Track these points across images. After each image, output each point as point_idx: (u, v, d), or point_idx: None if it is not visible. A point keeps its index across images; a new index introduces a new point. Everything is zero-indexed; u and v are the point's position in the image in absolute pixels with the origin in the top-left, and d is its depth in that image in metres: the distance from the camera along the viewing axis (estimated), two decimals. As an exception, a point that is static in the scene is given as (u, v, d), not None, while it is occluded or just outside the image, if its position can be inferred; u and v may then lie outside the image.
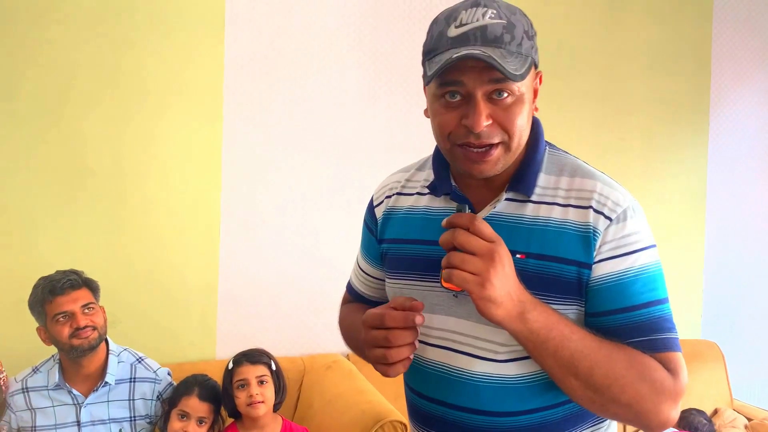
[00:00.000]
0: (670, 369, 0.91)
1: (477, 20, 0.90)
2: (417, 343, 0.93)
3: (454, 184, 1.04)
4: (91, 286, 1.90)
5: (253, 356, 1.96)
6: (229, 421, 1.99)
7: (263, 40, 2.49)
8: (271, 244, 2.54)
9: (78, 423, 1.89)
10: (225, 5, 2.42)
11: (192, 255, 2.44)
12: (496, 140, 0.92)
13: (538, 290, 0.92)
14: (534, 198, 0.98)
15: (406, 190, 1.13)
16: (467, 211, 0.89)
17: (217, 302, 2.48)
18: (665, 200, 3.11)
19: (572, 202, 0.96)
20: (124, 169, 2.35)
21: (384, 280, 1.15)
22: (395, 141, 2.66)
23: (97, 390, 1.90)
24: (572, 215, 0.95)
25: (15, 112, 2.23)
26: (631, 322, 0.92)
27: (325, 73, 2.57)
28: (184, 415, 1.88)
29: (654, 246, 0.96)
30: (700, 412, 2.69)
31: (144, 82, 2.35)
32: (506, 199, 0.99)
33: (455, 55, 0.87)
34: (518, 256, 0.94)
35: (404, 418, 1.94)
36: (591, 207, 0.95)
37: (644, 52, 3.04)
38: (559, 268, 0.94)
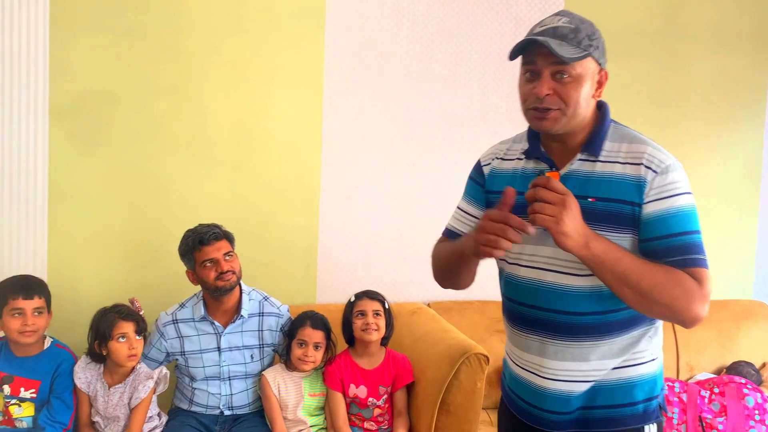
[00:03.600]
0: (697, 279, 1.23)
1: (553, 23, 1.29)
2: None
3: (542, 149, 1.40)
4: (229, 238, 2.28)
5: (372, 294, 2.35)
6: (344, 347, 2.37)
7: (358, 24, 2.81)
8: (362, 208, 2.89)
9: (218, 348, 2.29)
10: (326, -3, 2.76)
11: (297, 216, 2.81)
12: (554, 107, 1.28)
13: (604, 224, 1.28)
14: (601, 158, 1.32)
15: (507, 157, 1.49)
16: (546, 173, 1.25)
17: (317, 255, 2.85)
18: (722, 167, 3.29)
19: (629, 160, 1.30)
20: (239, 140, 2.72)
21: None
22: (472, 114, 2.96)
23: (233, 322, 2.29)
24: (629, 170, 1.30)
25: (144, 93, 2.60)
26: (670, 245, 1.25)
27: (412, 54, 2.88)
28: (303, 343, 2.26)
29: (690, 193, 1.28)
30: (749, 364, 2.95)
31: (256, 65, 2.70)
32: (580, 159, 1.34)
33: (525, 38, 1.28)
34: (590, 199, 1.29)
35: (486, 351, 2.28)
36: (642, 164, 1.29)
37: (705, 32, 3.21)
38: (618, 207, 1.29)
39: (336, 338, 2.35)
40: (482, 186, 1.52)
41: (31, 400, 2.09)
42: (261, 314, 2.34)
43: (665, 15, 3.17)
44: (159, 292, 2.60)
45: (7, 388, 2.07)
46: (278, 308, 2.38)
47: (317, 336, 2.27)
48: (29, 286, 2.09)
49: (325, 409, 2.33)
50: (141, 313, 2.25)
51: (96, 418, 2.13)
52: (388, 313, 2.34)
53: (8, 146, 2.47)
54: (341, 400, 2.29)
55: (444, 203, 2.89)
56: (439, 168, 2.94)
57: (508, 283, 1.46)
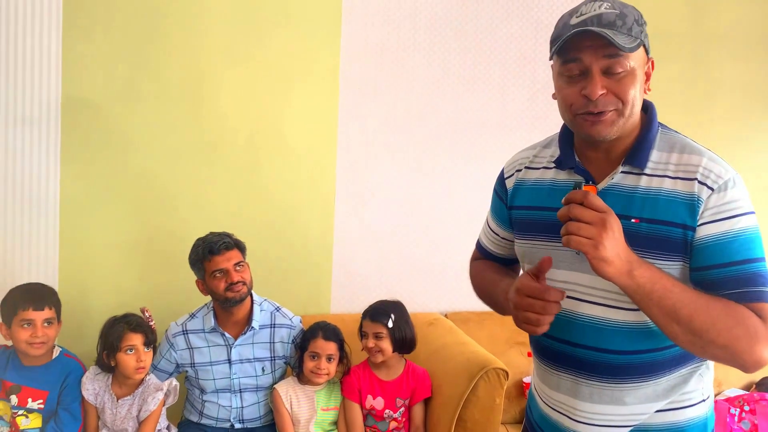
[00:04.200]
0: (762, 317, 1.05)
1: (594, 11, 1.10)
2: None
3: (577, 159, 1.23)
4: (240, 247, 2.23)
5: (375, 314, 2.25)
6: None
7: (375, 27, 2.75)
8: (378, 215, 2.83)
9: (229, 361, 2.24)
10: (342, 1, 2.69)
11: (311, 223, 2.76)
12: (610, 108, 1.10)
13: (649, 249, 1.10)
14: (647, 171, 1.14)
15: (533, 165, 1.32)
16: (582, 186, 1.07)
17: (332, 264, 2.79)
18: (753, 175, 3.17)
19: (680, 175, 1.12)
20: (255, 145, 2.67)
21: (511, 240, 1.38)
22: (491, 119, 2.89)
23: (244, 333, 2.24)
24: (680, 186, 1.11)
25: (161, 94, 2.56)
26: (729, 275, 1.07)
27: (430, 57, 2.81)
28: (315, 355, 2.20)
29: (752, 213, 1.10)
30: (781, 379, 2.83)
31: (271, 69, 2.66)
32: (622, 172, 1.16)
33: (574, 30, 1.08)
34: (633, 220, 1.12)
35: (506, 366, 2.20)
36: (696, 179, 1.10)
37: (734, 35, 3.11)
38: (667, 230, 1.11)
39: (350, 349, 2.29)
40: (505, 202, 1.37)
41: (38, 411, 2.05)
42: (272, 326, 2.29)
43: (692, 17, 3.08)
44: (171, 300, 2.56)
45: (14, 398, 2.03)
46: (290, 319, 2.32)
47: (330, 348, 2.21)
48: (40, 296, 2.06)
49: (339, 423, 2.26)
50: (151, 323, 2.20)
51: (103, 431, 2.08)
52: (396, 329, 2.24)
53: (20, 152, 2.45)
54: (358, 412, 2.23)
55: (463, 209, 2.86)
56: (458, 173, 2.87)
57: None
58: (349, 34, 2.73)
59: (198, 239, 2.23)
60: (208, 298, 2.26)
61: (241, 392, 2.26)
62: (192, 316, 2.29)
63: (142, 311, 2.26)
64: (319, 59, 2.71)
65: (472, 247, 1.58)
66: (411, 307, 2.60)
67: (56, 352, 2.12)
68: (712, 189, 1.10)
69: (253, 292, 2.28)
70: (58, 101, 2.47)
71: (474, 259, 1.55)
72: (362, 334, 2.26)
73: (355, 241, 2.81)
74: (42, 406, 2.05)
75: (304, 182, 2.74)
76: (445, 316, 2.82)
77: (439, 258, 2.87)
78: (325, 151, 2.75)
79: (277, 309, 2.33)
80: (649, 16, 3.03)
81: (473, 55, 2.85)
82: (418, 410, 2.26)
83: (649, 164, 1.15)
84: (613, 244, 1.02)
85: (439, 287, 2.90)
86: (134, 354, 2.03)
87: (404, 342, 2.26)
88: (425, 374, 2.29)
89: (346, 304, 2.82)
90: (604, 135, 1.13)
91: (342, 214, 2.79)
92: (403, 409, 2.25)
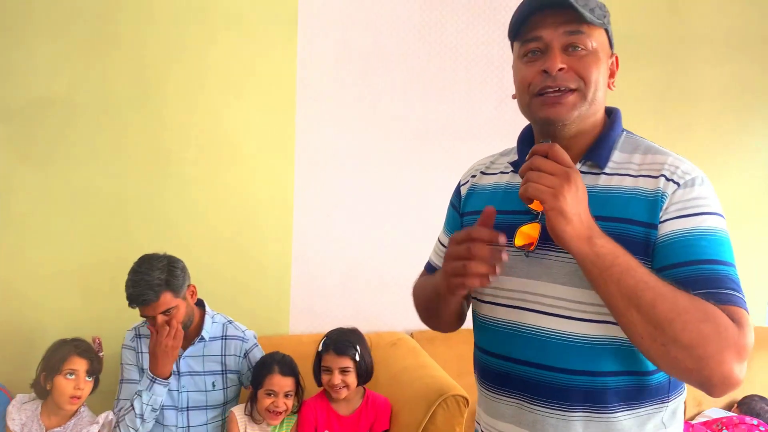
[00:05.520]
0: (735, 320, 0.88)
1: None
2: (498, 269, 0.97)
3: None
4: (173, 287, 1.98)
5: (340, 346, 2.07)
6: (318, 390, 2.15)
7: (334, 34, 2.61)
8: (340, 228, 2.69)
9: (177, 372, 2.09)
10: (298, 2, 2.55)
11: (267, 238, 2.61)
12: (572, 86, 1.01)
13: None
14: (607, 170, 1.04)
15: (489, 171, 1.23)
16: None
17: (290, 281, 2.65)
18: (733, 185, 3.07)
19: (644, 173, 1.02)
20: (206, 157, 2.53)
21: None
22: (458, 128, 2.75)
23: (194, 344, 2.11)
24: (642, 183, 1.01)
25: (106, 102, 2.41)
26: (698, 274, 0.92)
27: (393, 63, 2.67)
28: (271, 393, 2.03)
29: (721, 216, 0.98)
30: (763, 398, 2.69)
31: (223, 74, 2.51)
32: (582, 171, 1.05)
33: (535, 3, 1.02)
34: (622, 219, 1.00)
35: (466, 393, 2.06)
36: (662, 175, 1.00)
37: (713, 37, 3.00)
38: (626, 228, 0.99)
39: (304, 383, 2.13)
40: (458, 210, 1.26)
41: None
42: (224, 337, 2.16)
43: (670, 20, 2.96)
44: (120, 323, 2.39)
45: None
46: (243, 332, 2.20)
47: (287, 384, 2.05)
48: None
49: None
50: (100, 354, 2.07)
51: (29, 467, 1.93)
52: (362, 361, 2.09)
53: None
54: None
55: (431, 221, 2.70)
56: (425, 184, 2.73)
57: (481, 327, 1.15)
58: (306, 37, 2.58)
59: (129, 273, 2.02)
60: None
61: (188, 410, 2.11)
62: (145, 321, 2.14)
63: (93, 340, 2.11)
64: (275, 64, 2.57)
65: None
66: (375, 326, 2.48)
67: (-21, 385, 1.97)
68: (678, 184, 0.99)
69: (205, 302, 2.17)
70: (-6, 111, 2.32)
71: (418, 278, 1.40)
72: (323, 369, 2.08)
73: (315, 256, 2.67)
74: (-36, 441, 1.90)
75: (260, 194, 2.60)
76: (411, 335, 2.68)
77: (405, 273, 2.69)
78: (282, 162, 2.61)
79: (230, 322, 2.21)
80: (626, 18, 2.93)
81: (438, 61, 2.71)
82: (376, 444, 2.11)
83: (610, 164, 1.06)
84: (575, 201, 0.92)
85: (405, 304, 2.68)
86: (73, 380, 1.88)
87: (367, 373, 2.11)
88: (386, 404, 2.15)
89: (307, 323, 2.67)
90: (563, 117, 1.02)
91: (301, 228, 2.64)
92: (360, 443, 2.10)
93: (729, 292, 0.91)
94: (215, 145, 2.54)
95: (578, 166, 1.05)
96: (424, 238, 2.71)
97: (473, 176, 1.25)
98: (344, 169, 2.68)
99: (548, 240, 0.98)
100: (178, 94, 2.48)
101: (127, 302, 1.99)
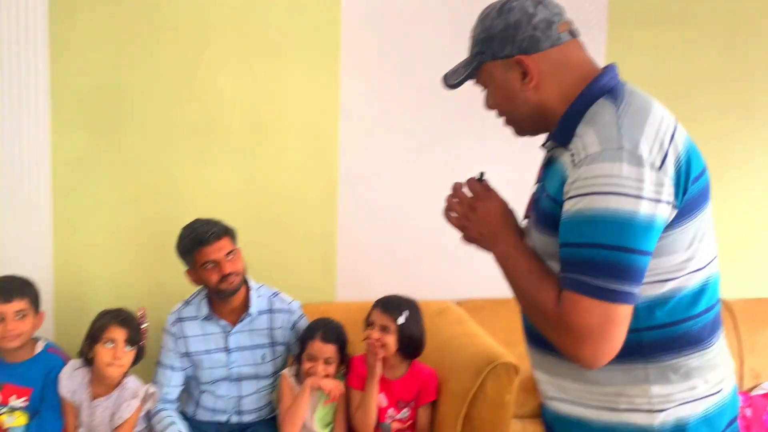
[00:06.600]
0: (560, 303, 1.01)
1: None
2: None
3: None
4: (231, 234, 2.09)
5: (387, 306, 2.08)
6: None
7: (378, -4, 2.55)
8: (386, 196, 2.67)
9: (227, 349, 2.13)
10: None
11: (312, 206, 2.61)
12: (502, 117, 1.21)
13: (542, 224, 1.11)
14: (570, 145, 1.07)
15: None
16: (482, 176, 1.23)
17: (337, 248, 2.64)
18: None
19: (569, 147, 1.07)
20: (251, 127, 2.53)
21: None
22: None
23: (241, 320, 2.13)
24: (562, 159, 1.09)
25: (154, 74, 2.43)
26: (561, 256, 1.04)
27: (440, 26, 2.60)
28: (312, 357, 2.05)
29: (612, 193, 0.97)
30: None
31: (268, 42, 2.50)
32: (552, 148, 1.16)
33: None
34: (545, 194, 1.12)
35: (516, 360, 2.02)
36: (570, 152, 1.05)
37: None
38: (549, 204, 1.09)
39: (351, 349, 2.13)
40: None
41: (22, 408, 1.97)
42: (271, 311, 2.17)
43: None
44: (171, 290, 2.44)
45: (-3, 396, 1.96)
46: (288, 304, 2.21)
47: (328, 350, 2.05)
48: (8, 288, 1.97)
49: (336, 416, 2.11)
50: (143, 325, 2.08)
51: (81, 431, 1.99)
52: (406, 327, 2.07)
53: (9, 138, 2.35)
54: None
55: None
56: (473, 150, 2.67)
57: None
58: (351, 1, 2.53)
59: (184, 228, 2.10)
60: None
61: (240, 381, 2.15)
62: (186, 302, 2.18)
63: (139, 311, 2.14)
64: (319, 30, 2.53)
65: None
66: (421, 295, 2.45)
67: (39, 347, 2.03)
68: (574, 163, 1.03)
69: (249, 277, 2.17)
70: (46, 84, 2.36)
71: None
72: (368, 323, 2.09)
73: (361, 225, 2.65)
74: (26, 403, 1.97)
75: (305, 163, 2.59)
76: (458, 303, 2.65)
77: (452, 242, 2.67)
78: (326, 130, 2.59)
79: (275, 294, 2.22)
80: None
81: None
82: (422, 413, 2.10)
83: (574, 139, 1.07)
84: (477, 225, 1.17)
85: (452, 273, 2.72)
86: (112, 348, 1.91)
87: (411, 343, 2.09)
88: (431, 375, 2.13)
89: (353, 291, 2.67)
90: (521, 137, 1.23)
91: (346, 196, 2.63)
92: (406, 411, 2.10)
93: (568, 275, 1.01)
94: (260, 114, 2.54)
95: (548, 144, 1.16)
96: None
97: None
98: (390, 136, 2.64)
99: (531, 215, 1.19)
100: (221, 66, 2.48)
101: (186, 253, 2.04)
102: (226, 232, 2.08)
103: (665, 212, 0.99)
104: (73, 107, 2.39)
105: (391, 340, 2.05)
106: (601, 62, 1.18)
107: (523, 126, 1.18)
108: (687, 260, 1.05)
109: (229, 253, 2.04)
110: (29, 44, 2.33)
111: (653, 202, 0.97)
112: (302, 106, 2.56)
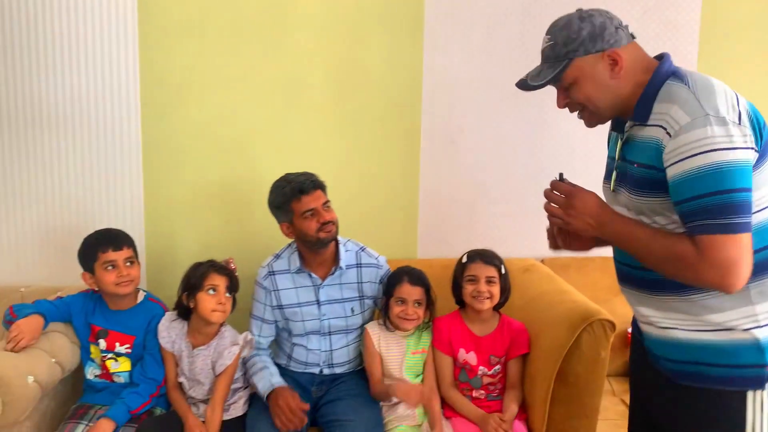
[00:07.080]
0: (698, 246, 1.20)
1: (542, 48, 1.41)
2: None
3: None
4: (323, 187, 2.11)
5: (487, 257, 2.09)
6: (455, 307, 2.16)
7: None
8: (467, 153, 2.63)
9: (318, 302, 2.16)
10: None
11: (396, 163, 2.60)
12: (579, 110, 1.40)
13: (639, 188, 1.32)
14: (649, 122, 1.30)
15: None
16: (561, 176, 1.40)
17: (418, 206, 2.63)
18: None
19: (656, 122, 1.28)
20: (333, 82, 2.52)
21: None
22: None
23: (332, 274, 2.15)
24: (653, 133, 1.28)
25: (238, 31, 2.45)
26: (682, 212, 1.24)
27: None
28: (402, 300, 2.07)
29: (716, 150, 1.18)
30: None
31: (352, 2, 2.48)
32: (634, 125, 1.35)
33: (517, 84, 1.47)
34: (635, 165, 1.33)
35: (611, 316, 1.98)
36: (661, 125, 1.26)
37: None
38: (647, 172, 1.30)
39: (436, 295, 2.13)
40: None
41: (126, 355, 2.04)
42: (359, 265, 2.19)
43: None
44: (256, 244, 2.48)
45: (102, 342, 2.03)
46: (376, 259, 2.22)
47: (416, 293, 2.06)
48: (116, 237, 2.03)
49: (426, 368, 2.12)
50: (236, 274, 2.12)
51: (181, 379, 2.04)
52: (504, 278, 2.08)
53: (101, 97, 2.40)
54: (448, 364, 2.09)
55: (563, 143, 2.60)
56: (550, 111, 2.56)
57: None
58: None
59: (279, 180, 2.12)
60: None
61: (330, 335, 2.18)
62: (277, 256, 2.21)
63: (227, 262, 2.18)
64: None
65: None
66: (504, 252, 2.43)
67: (141, 297, 2.10)
68: (669, 135, 1.24)
69: None
70: (135, 41, 2.39)
71: None
72: (466, 279, 2.07)
73: (442, 182, 2.63)
74: (129, 350, 2.04)
75: (387, 119, 2.57)
76: (542, 261, 2.61)
77: (534, 197, 2.62)
78: (409, 86, 2.56)
79: (362, 249, 2.23)
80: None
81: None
82: (514, 367, 2.09)
83: (652, 116, 1.30)
84: (579, 215, 1.34)
85: (535, 230, 2.64)
86: (215, 296, 1.95)
87: (505, 294, 2.10)
88: (522, 329, 2.11)
89: (434, 248, 2.66)
90: (592, 127, 1.43)
91: (428, 152, 2.61)
92: (498, 366, 2.09)
93: (697, 223, 1.21)
94: (342, 71, 2.52)
95: (628, 122, 1.36)
96: (554, 159, 2.61)
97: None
98: (471, 90, 2.59)
99: (621, 184, 1.39)
100: (303, 22, 2.47)
101: (285, 204, 2.06)
102: (321, 184, 2.10)
103: (752, 155, 1.22)
104: (159, 66, 2.43)
105: (497, 290, 2.06)
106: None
107: (604, 114, 1.38)
108: None
109: (325, 203, 2.06)
110: (119, 2, 2.36)
111: (743, 149, 1.19)
112: (384, 62, 2.53)
